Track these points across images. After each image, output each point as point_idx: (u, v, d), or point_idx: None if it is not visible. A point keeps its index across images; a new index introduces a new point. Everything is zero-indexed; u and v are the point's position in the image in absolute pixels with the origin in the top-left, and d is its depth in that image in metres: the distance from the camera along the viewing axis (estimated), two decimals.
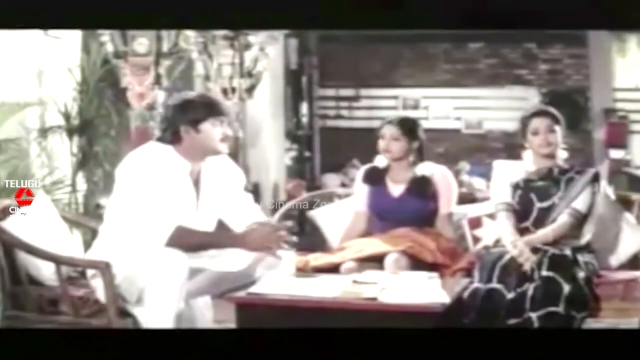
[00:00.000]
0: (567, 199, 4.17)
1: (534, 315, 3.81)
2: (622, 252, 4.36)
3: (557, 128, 4.27)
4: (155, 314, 3.62)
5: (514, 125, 4.50)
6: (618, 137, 10.79)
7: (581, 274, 3.94)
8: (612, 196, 4.47)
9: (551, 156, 4.27)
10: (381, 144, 4.50)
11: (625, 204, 4.51)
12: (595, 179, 4.22)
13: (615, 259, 4.34)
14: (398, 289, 3.58)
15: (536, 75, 11.72)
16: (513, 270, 3.89)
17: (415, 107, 11.96)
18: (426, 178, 4.46)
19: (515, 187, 4.26)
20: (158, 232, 3.69)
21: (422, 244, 4.22)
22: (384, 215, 4.50)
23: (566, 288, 3.84)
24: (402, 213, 4.42)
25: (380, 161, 4.56)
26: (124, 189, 3.80)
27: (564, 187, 4.20)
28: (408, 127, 4.51)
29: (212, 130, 3.84)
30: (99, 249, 3.89)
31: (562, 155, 4.31)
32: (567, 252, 3.97)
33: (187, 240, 3.70)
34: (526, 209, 4.20)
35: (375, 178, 4.55)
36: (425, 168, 4.50)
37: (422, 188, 4.43)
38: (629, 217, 4.45)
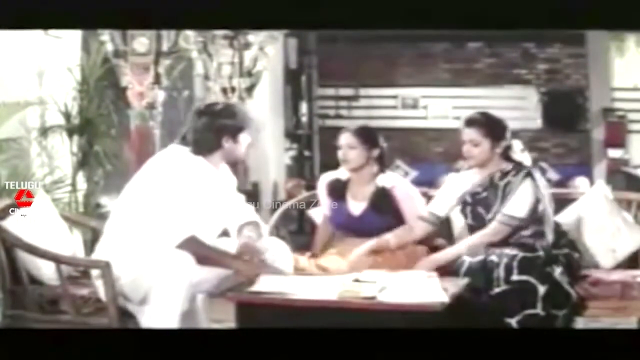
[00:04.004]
0: (505, 205, 4.07)
1: (512, 321, 3.82)
2: (621, 252, 4.37)
3: (485, 141, 4.11)
4: (161, 313, 3.63)
5: (513, 125, 4.45)
6: (616, 137, 10.80)
7: (558, 270, 3.92)
8: (610, 195, 4.48)
9: (482, 166, 4.15)
10: (339, 154, 4.41)
11: (623, 203, 4.52)
12: (528, 175, 4.07)
13: (613, 259, 4.35)
14: (397, 288, 3.59)
15: (535, 74, 11.72)
16: (476, 274, 3.88)
17: (414, 106, 11.97)
18: (386, 191, 4.35)
19: (465, 203, 4.19)
20: (173, 237, 3.70)
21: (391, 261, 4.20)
22: (346, 232, 4.45)
23: (541, 289, 3.84)
24: (365, 230, 4.34)
25: (342, 173, 4.46)
26: (147, 189, 3.79)
27: (501, 194, 4.09)
28: (365, 135, 4.39)
29: (247, 140, 3.88)
30: (106, 248, 3.87)
31: (524, 157, 4.22)
32: (539, 252, 3.94)
33: (195, 251, 3.70)
34: (479, 224, 4.13)
35: (337, 192, 4.45)
36: (386, 179, 4.39)
37: (382, 204, 4.34)
38: (627, 216, 4.46)
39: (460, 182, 4.26)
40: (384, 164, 4.43)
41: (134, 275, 3.70)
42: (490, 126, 4.15)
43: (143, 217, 3.75)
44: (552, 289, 3.85)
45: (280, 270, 3.88)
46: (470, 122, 4.17)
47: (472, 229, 4.18)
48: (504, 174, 4.13)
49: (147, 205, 3.75)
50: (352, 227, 4.42)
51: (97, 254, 3.92)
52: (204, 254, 3.73)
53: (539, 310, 3.82)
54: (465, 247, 4.04)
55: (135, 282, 3.71)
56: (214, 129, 3.84)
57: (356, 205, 4.41)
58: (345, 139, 4.40)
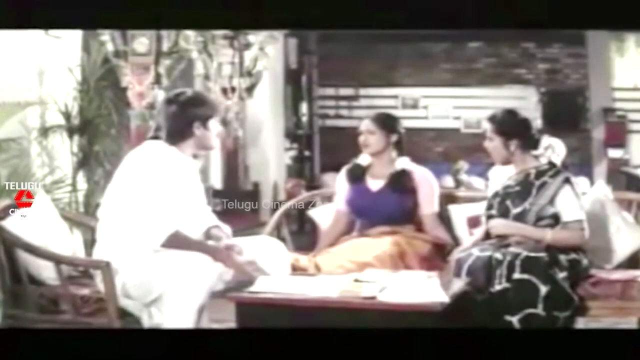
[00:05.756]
0: (538, 205, 4.10)
1: (514, 319, 3.83)
2: (621, 252, 4.36)
3: (496, 137, 4.18)
4: (178, 314, 3.64)
5: None
6: (617, 137, 10.82)
7: (562, 274, 3.94)
8: (610, 195, 4.48)
9: (505, 162, 4.22)
10: (360, 139, 4.56)
11: (623, 203, 4.52)
12: (567, 181, 4.12)
13: (613, 258, 4.35)
14: (397, 288, 3.59)
15: (535, 74, 11.75)
16: (479, 271, 3.91)
17: (415, 106, 11.98)
18: (406, 172, 4.49)
19: (495, 195, 4.24)
20: (158, 233, 3.72)
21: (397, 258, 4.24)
22: (362, 211, 4.52)
23: (543, 289, 3.85)
24: (380, 208, 4.43)
25: (363, 159, 4.60)
26: (128, 187, 3.78)
27: (535, 192, 4.12)
28: (383, 121, 4.57)
29: (217, 128, 3.94)
30: (106, 250, 3.84)
31: (553, 156, 4.28)
32: (542, 253, 3.94)
33: (180, 247, 3.71)
34: (502, 216, 4.16)
35: (356, 175, 4.59)
36: (405, 162, 4.54)
37: (400, 183, 4.46)
38: (627, 216, 4.46)
39: (499, 176, 4.32)
40: (402, 148, 4.57)
41: (145, 276, 3.70)
42: (501, 123, 4.22)
43: (130, 215, 3.75)
44: (554, 290, 3.86)
45: (276, 270, 3.88)
46: (489, 118, 4.28)
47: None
48: (540, 172, 4.18)
49: (132, 203, 3.74)
50: (369, 205, 4.48)
51: (102, 253, 3.86)
52: (190, 250, 3.73)
53: (539, 310, 3.83)
54: (551, 237, 4.05)
55: (146, 283, 3.70)
56: (185, 116, 3.87)
57: (375, 183, 4.53)
58: (365, 126, 4.56)
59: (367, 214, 4.49)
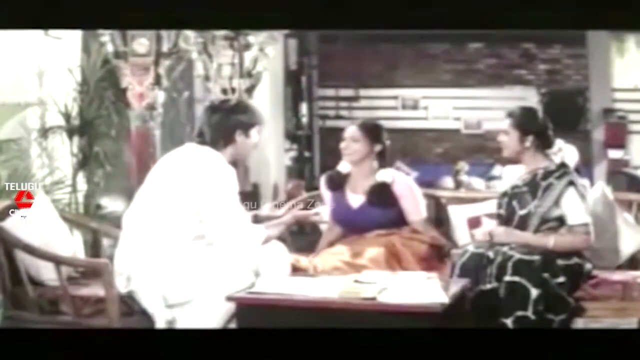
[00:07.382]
0: (543, 207, 4.08)
1: (507, 321, 3.83)
2: (621, 253, 4.36)
3: (513, 131, 4.18)
4: (211, 315, 3.74)
5: None
6: (617, 138, 10.82)
7: (558, 278, 3.91)
8: (610, 196, 4.47)
9: (516, 160, 4.24)
10: (341, 145, 4.45)
11: (623, 204, 4.52)
12: (571, 183, 4.09)
13: (613, 259, 4.35)
14: (397, 289, 3.58)
15: (535, 75, 11.75)
16: (471, 267, 3.91)
17: (415, 107, 11.98)
18: (385, 185, 4.37)
19: (504, 194, 4.24)
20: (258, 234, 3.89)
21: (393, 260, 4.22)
22: (346, 226, 4.47)
23: (534, 292, 3.83)
24: (363, 224, 4.36)
25: (343, 166, 4.50)
26: (184, 190, 3.81)
27: (541, 194, 4.10)
28: (369, 129, 4.43)
29: (256, 137, 4.01)
30: (143, 252, 3.82)
31: (563, 154, 4.26)
32: (535, 257, 3.92)
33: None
34: (509, 217, 4.16)
35: (336, 184, 4.50)
36: (386, 174, 4.41)
37: (381, 198, 4.35)
38: (628, 217, 4.45)
39: (512, 175, 4.32)
40: (385, 160, 4.45)
41: (183, 276, 3.75)
42: (520, 118, 4.22)
43: (186, 217, 3.79)
44: (547, 294, 3.84)
45: (276, 271, 3.89)
46: (508, 113, 4.27)
47: (501, 220, 4.20)
48: (548, 173, 4.15)
49: (190, 205, 3.79)
50: (351, 220, 4.43)
51: (131, 258, 3.85)
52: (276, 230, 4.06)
53: (529, 313, 3.82)
54: (554, 243, 4.03)
55: (183, 283, 3.75)
56: (229, 124, 3.94)
57: (355, 198, 4.43)
58: (350, 132, 4.44)
59: (352, 228, 4.44)
